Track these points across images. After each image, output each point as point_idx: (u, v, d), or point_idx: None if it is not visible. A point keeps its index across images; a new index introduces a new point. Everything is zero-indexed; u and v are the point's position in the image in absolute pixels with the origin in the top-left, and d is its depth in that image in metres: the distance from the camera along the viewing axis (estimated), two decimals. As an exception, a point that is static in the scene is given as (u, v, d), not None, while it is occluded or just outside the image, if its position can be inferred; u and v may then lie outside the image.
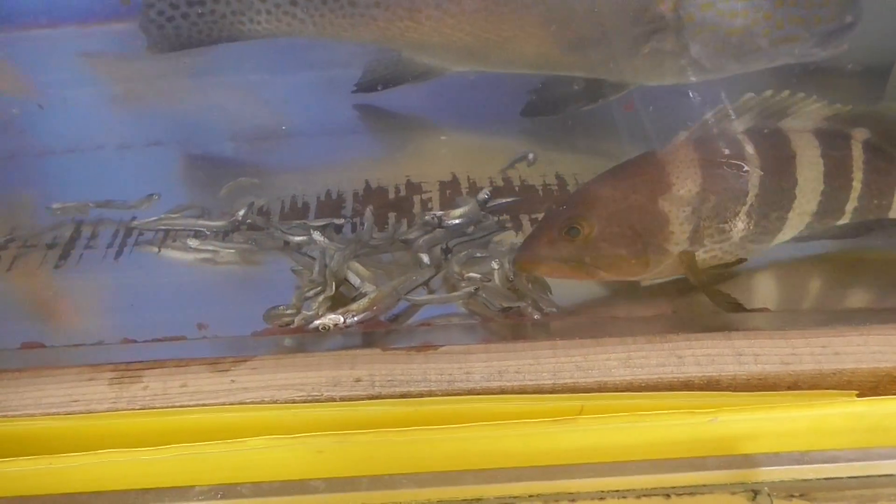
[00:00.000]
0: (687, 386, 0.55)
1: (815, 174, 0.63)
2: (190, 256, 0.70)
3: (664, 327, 0.59)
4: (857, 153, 0.64)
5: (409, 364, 0.57)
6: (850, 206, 0.65)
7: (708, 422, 0.51)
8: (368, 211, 0.74)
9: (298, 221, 0.74)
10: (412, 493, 0.51)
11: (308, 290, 0.64)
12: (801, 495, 0.51)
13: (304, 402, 0.55)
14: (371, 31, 0.83)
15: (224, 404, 0.55)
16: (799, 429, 0.52)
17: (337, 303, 0.63)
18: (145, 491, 0.51)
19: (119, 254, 0.71)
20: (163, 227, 0.74)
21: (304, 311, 0.62)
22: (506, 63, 0.85)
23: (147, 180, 0.82)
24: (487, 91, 0.94)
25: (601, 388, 0.55)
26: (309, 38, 0.85)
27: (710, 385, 0.55)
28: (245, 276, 0.69)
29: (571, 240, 0.60)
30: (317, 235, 0.70)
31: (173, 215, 0.75)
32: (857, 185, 0.65)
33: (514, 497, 0.51)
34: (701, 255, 0.63)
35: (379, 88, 0.89)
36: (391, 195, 0.79)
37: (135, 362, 0.58)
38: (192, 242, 0.71)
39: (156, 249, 0.71)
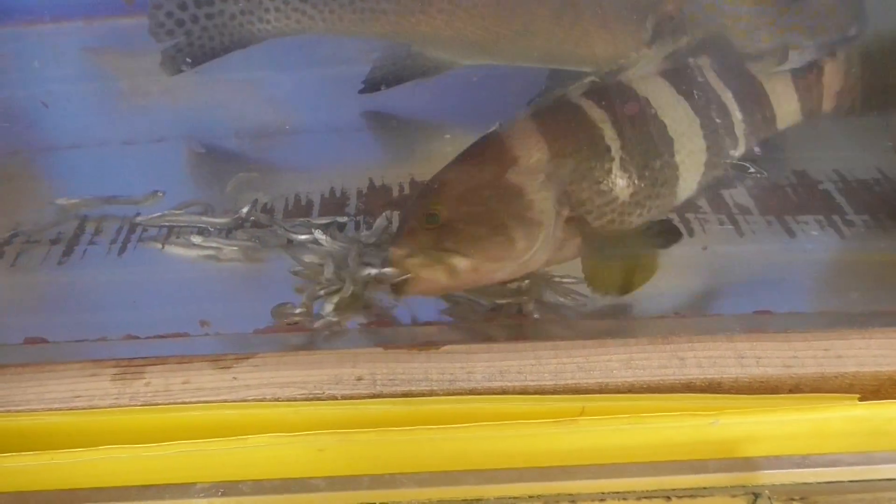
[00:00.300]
0: (688, 388, 0.55)
1: (682, 111, 0.63)
2: (193, 253, 0.70)
3: (666, 329, 0.59)
4: (713, 77, 0.64)
5: (410, 363, 0.57)
6: (740, 129, 0.64)
7: (709, 424, 0.51)
8: (383, 216, 0.74)
9: (302, 219, 0.74)
10: (413, 493, 0.51)
11: (320, 290, 0.64)
12: (801, 498, 0.51)
13: (306, 399, 0.55)
14: (381, 25, 0.83)
15: (226, 401, 0.55)
16: (800, 432, 0.52)
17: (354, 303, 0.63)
18: (146, 487, 0.51)
19: (122, 250, 0.71)
20: (166, 224, 0.74)
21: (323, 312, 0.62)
22: (516, 56, 0.84)
23: (151, 176, 0.82)
24: (491, 89, 0.94)
25: (602, 390, 0.55)
26: (318, 34, 0.84)
27: (712, 387, 0.55)
28: (248, 273, 0.69)
29: (431, 228, 0.58)
30: (318, 234, 0.70)
31: (177, 212, 0.74)
32: (732, 106, 0.64)
33: (515, 498, 0.51)
34: (594, 220, 0.61)
35: (382, 88, 0.89)
36: (395, 193, 0.79)
37: (137, 358, 0.58)
38: (196, 239, 0.71)
39: (159, 246, 0.71)
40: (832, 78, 0.66)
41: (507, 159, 0.60)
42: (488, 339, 0.59)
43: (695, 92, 0.63)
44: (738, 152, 0.65)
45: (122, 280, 0.68)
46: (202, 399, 0.55)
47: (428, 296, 0.63)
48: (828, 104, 0.67)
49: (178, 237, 0.72)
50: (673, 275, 0.66)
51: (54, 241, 0.72)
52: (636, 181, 0.61)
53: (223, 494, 0.51)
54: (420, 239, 0.58)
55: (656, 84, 0.63)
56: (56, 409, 0.55)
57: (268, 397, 0.55)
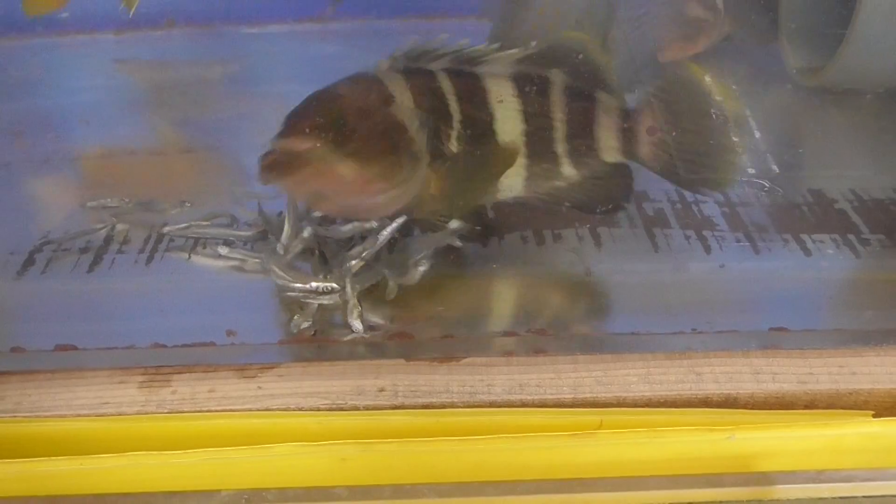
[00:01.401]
0: (705, 403, 0.56)
1: (511, 112, 0.66)
2: (219, 264, 0.71)
3: (683, 344, 0.60)
4: (556, 95, 0.66)
5: (432, 375, 0.58)
6: (561, 147, 0.67)
7: (726, 439, 0.52)
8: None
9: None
10: (433, 503, 0.52)
11: (322, 300, 0.65)
12: (816, 513, 0.51)
13: (329, 409, 0.56)
14: None
15: (251, 410, 0.56)
16: (815, 447, 0.53)
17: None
18: (172, 494, 0.52)
19: (150, 259, 0.72)
20: (192, 235, 0.75)
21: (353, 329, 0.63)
22: None
23: (179, 187, 0.83)
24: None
25: (620, 404, 0.56)
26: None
27: (728, 402, 0.56)
28: (270, 284, 0.70)
29: (327, 132, 0.61)
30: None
31: (203, 223, 0.76)
32: (559, 125, 0.66)
33: (533, 508, 0.52)
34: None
35: None
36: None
37: (164, 366, 0.59)
38: (222, 250, 0.72)
39: (186, 256, 0.73)
40: (648, 120, 0.67)
41: (387, 97, 0.63)
42: (508, 352, 0.60)
43: (530, 100, 0.66)
44: (559, 168, 0.68)
45: (150, 289, 0.69)
46: (227, 408, 0.56)
47: (291, 190, 0.65)
48: (642, 148, 0.67)
49: (204, 247, 0.73)
50: (690, 291, 0.67)
51: (84, 250, 0.73)
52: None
53: (247, 502, 0.52)
54: (317, 135, 0.60)
55: (499, 82, 0.66)
56: (84, 416, 0.56)
57: (291, 407, 0.56)
